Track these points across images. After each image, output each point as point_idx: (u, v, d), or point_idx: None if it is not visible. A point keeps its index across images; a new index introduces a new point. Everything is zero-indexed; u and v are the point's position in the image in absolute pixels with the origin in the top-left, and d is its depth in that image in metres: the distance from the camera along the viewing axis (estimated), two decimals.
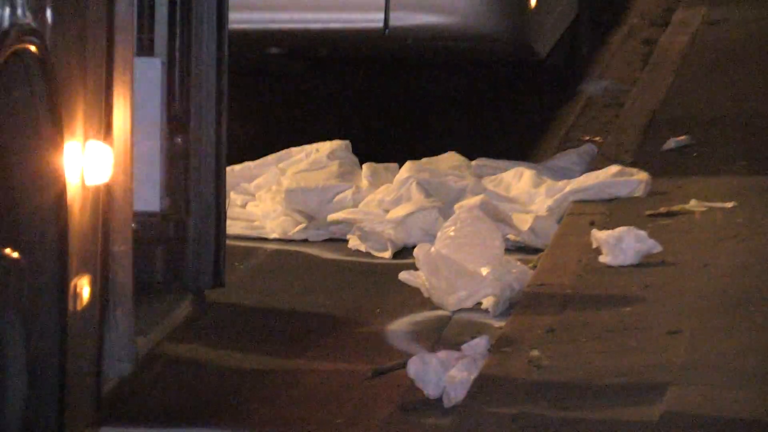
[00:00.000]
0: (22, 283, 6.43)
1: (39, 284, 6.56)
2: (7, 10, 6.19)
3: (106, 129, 6.98)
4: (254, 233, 9.72)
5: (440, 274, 9.00)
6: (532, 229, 9.81)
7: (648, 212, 9.86)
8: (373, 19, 10.98)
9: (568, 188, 10.14)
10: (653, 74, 12.95)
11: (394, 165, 10.33)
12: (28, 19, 6.31)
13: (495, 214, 9.66)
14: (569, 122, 12.11)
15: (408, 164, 10.22)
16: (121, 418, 7.54)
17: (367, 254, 9.77)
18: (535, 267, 9.34)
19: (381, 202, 9.94)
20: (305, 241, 9.87)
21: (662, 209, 9.94)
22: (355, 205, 9.98)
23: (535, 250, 9.67)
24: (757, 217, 9.85)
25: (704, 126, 11.45)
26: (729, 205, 9.99)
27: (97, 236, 6.99)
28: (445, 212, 9.65)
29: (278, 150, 10.31)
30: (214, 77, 7.87)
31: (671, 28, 14.17)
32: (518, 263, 9.28)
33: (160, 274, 7.76)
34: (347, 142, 10.37)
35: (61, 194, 6.60)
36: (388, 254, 9.68)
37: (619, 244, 9.27)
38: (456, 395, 7.85)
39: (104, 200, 7.00)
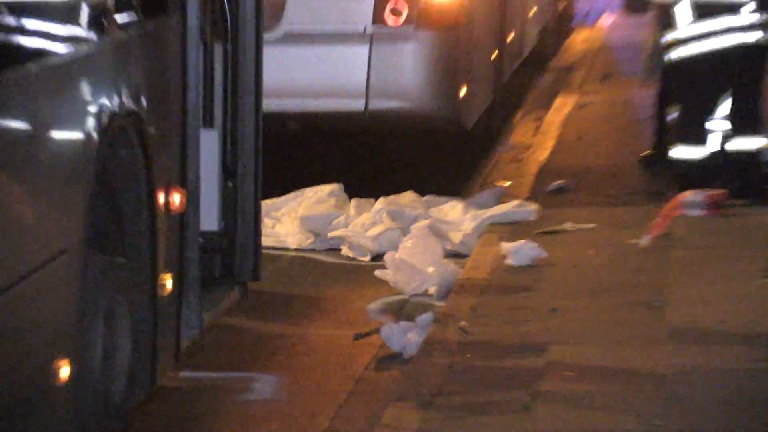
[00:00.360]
0: (127, 278, 6.42)
1: (138, 278, 6.53)
2: (118, 99, 6.16)
3: (182, 177, 6.97)
4: (279, 245, 9.66)
5: (401, 271, 8.96)
6: (462, 242, 9.76)
7: (538, 231, 9.79)
8: (357, 104, 10.96)
9: (485, 215, 10.08)
10: (541, 139, 12.91)
11: (372, 200, 10.22)
12: (130, 104, 6.30)
13: (437, 232, 9.63)
14: (486, 172, 12.10)
15: (381, 200, 10.13)
16: (193, 367, 7.52)
17: (354, 259, 9.72)
18: (463, 267, 9.26)
19: (363, 225, 9.86)
20: (313, 250, 9.80)
21: (547, 229, 9.89)
22: (346, 226, 9.89)
23: (464, 256, 9.55)
24: (610, 234, 9.82)
25: (575, 174, 11.43)
26: (591, 226, 9.96)
27: (176, 247, 6.97)
28: (405, 231, 9.57)
29: (293, 189, 10.24)
30: (252, 138, 7.83)
31: (553, 109, 14.18)
32: (453, 265, 9.23)
33: (218, 271, 7.70)
34: (341, 184, 10.31)
35: (153, 220, 6.59)
36: (367, 258, 9.61)
37: (519, 252, 9.22)
38: (412, 351, 7.82)
39: (181, 224, 6.98)
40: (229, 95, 7.76)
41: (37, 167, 5.65)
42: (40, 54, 5.67)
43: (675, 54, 10.39)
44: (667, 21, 10.44)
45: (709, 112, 10.39)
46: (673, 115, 10.58)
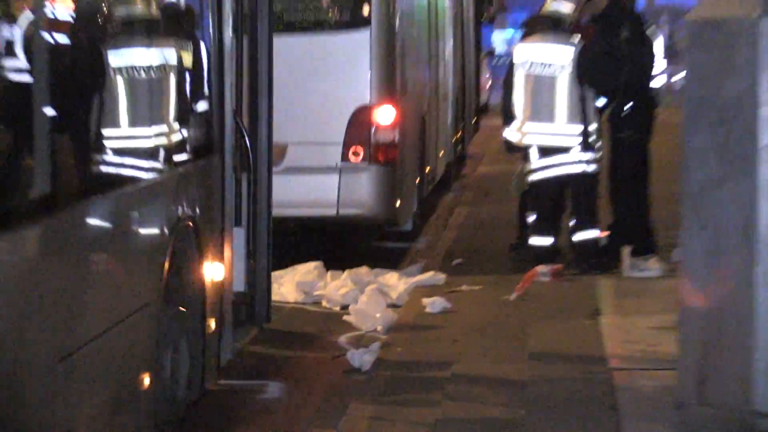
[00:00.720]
0: (187, 321, 6.37)
1: (194, 322, 6.49)
2: (182, 209, 6.19)
3: (221, 257, 6.90)
4: (282, 300, 9.40)
5: (360, 316, 8.86)
6: (398, 298, 9.57)
7: (446, 291, 9.64)
8: (332, 211, 10.86)
9: (412, 281, 9.94)
10: (446, 234, 12.74)
11: (340, 272, 10.02)
12: (189, 212, 6.33)
13: (382, 291, 9.46)
14: (412, 254, 11.81)
15: (347, 271, 9.96)
16: (228, 377, 7.36)
17: (330, 308, 9.50)
18: (398, 314, 9.14)
19: (335, 287, 9.69)
20: (304, 303, 9.60)
21: (451, 289, 9.74)
22: (325, 288, 9.73)
23: (399, 307, 9.40)
24: (490, 292, 9.67)
25: (468, 255, 11.26)
26: (478, 287, 9.84)
27: (218, 301, 6.89)
28: (362, 291, 9.38)
29: (291, 265, 10.01)
30: (265, 233, 7.77)
31: (454, 215, 14.01)
32: (392, 312, 9.07)
33: (244, 316, 7.63)
34: (321, 262, 10.10)
35: (203, 285, 6.58)
36: (338, 308, 9.39)
37: (434, 304, 9.14)
38: (367, 366, 7.72)
39: (220, 287, 6.90)
40: (251, 206, 7.68)
41: (134, 249, 5.73)
42: (138, 179, 5.77)
43: (530, 178, 10.36)
44: (525, 157, 10.39)
45: (554, 215, 10.36)
46: (531, 217, 10.52)
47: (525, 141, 10.22)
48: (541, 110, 10.09)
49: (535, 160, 10.22)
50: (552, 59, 10.03)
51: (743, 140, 5.91)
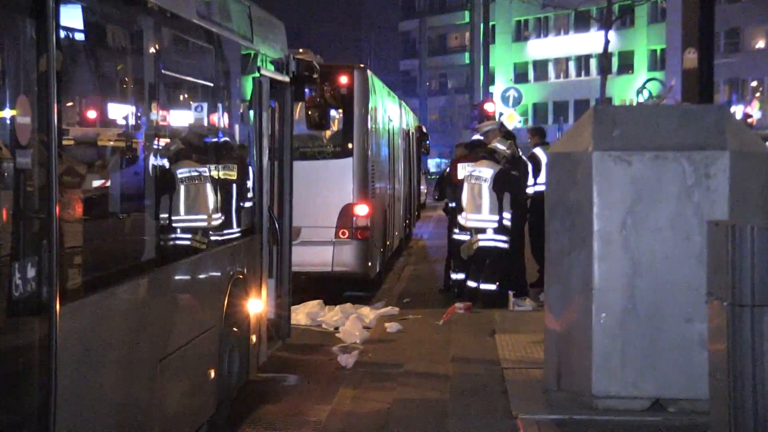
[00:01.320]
0: (238, 337, 6.19)
1: (242, 337, 6.29)
2: (235, 267, 5.97)
3: (260, 296, 6.72)
4: (297, 324, 9.16)
5: (347, 334, 8.77)
6: (369, 322, 9.38)
7: (399, 318, 9.49)
8: (328, 268, 10.76)
9: (378, 312, 9.75)
10: (399, 283, 12.53)
11: (335, 306, 9.83)
12: (240, 269, 6.22)
13: (359, 318, 9.33)
14: (378, 295, 11.43)
15: (338, 306, 9.79)
16: (263, 371, 7.23)
17: (327, 329, 9.32)
18: (370, 332, 8.97)
19: (331, 316, 9.54)
20: (310, 326, 9.43)
21: (402, 317, 9.59)
22: (324, 316, 9.58)
23: (370, 328, 9.18)
24: (427, 319, 9.49)
25: (413, 296, 11.07)
26: (420, 316, 9.68)
27: (258, 324, 6.70)
28: (347, 318, 9.27)
29: (302, 302, 9.80)
30: (287, 283, 7.45)
31: (404, 271, 13.82)
32: (366, 331, 8.93)
33: (273, 334, 7.38)
34: (321, 300, 9.94)
35: (248, 314, 6.42)
36: (332, 329, 9.23)
37: (391, 326, 9.01)
38: (350, 365, 7.61)
39: (259, 315, 6.71)
40: (279, 265, 7.47)
41: (204, 290, 5.61)
42: (210, 249, 5.65)
43: (455, 245, 10.20)
44: (456, 229, 10.20)
45: (472, 272, 10.06)
46: (453, 273, 10.45)
47: (468, 225, 9.95)
48: (475, 205, 9.89)
49: (460, 233, 9.99)
50: (485, 174, 9.88)
51: (583, 226, 5.97)
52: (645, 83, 19.73)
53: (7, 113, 3.33)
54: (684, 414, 5.69)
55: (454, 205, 10.42)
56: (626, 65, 51.13)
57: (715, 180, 5.72)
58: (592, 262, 5.91)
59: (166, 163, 4.83)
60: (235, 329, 6.11)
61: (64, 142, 3.64)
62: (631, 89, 44.51)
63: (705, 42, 9.60)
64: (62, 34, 3.54)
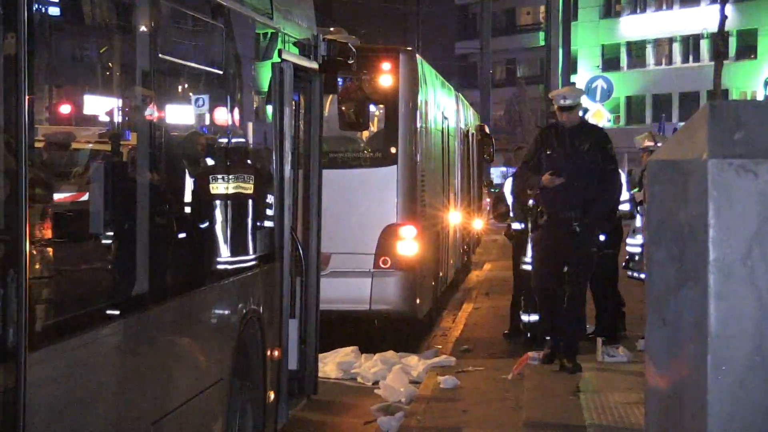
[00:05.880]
0: (252, 392, 6.20)
1: (257, 393, 6.35)
2: (249, 304, 6.02)
3: (279, 342, 6.78)
4: (325, 377, 9.29)
5: (388, 390, 8.84)
6: (418, 376, 9.51)
7: (456, 371, 9.56)
8: (365, 307, 10.85)
9: (429, 362, 9.86)
10: (456, 325, 12.57)
11: (372, 355, 9.97)
12: (254, 306, 6.21)
13: (405, 370, 9.43)
14: (429, 341, 11.76)
15: (378, 354, 9.92)
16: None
17: (363, 384, 9.46)
18: (418, 389, 9.05)
19: (368, 367, 9.65)
20: (343, 379, 9.56)
21: (460, 369, 9.67)
22: (360, 367, 9.69)
23: (419, 383, 9.30)
24: (492, 372, 9.57)
25: (474, 342, 11.15)
26: (482, 368, 9.75)
27: (276, 377, 6.74)
28: (389, 370, 9.36)
29: (333, 349, 9.96)
30: (314, 325, 7.55)
31: (461, 310, 13.83)
32: (413, 387, 9.03)
33: (296, 389, 7.42)
34: (356, 347, 10.06)
35: (265, 363, 6.46)
36: (370, 383, 9.36)
37: (447, 381, 9.06)
38: (393, 429, 7.72)
39: (278, 365, 6.76)
40: (303, 302, 7.57)
41: (209, 334, 5.67)
42: (208, 285, 5.71)
43: (524, 278, 10.16)
44: (525, 257, 10.18)
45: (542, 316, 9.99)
46: (527, 315, 10.45)
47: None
48: None
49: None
50: None
51: (695, 255, 5.88)
52: None
53: None
54: None
55: (521, 226, 10.41)
56: (748, 48, 49.90)
57: None
58: (708, 301, 5.81)
59: (162, 173, 4.75)
60: (247, 383, 6.21)
61: (36, 145, 3.52)
62: (756, 79, 43.94)
63: None
64: (35, 7, 3.38)
